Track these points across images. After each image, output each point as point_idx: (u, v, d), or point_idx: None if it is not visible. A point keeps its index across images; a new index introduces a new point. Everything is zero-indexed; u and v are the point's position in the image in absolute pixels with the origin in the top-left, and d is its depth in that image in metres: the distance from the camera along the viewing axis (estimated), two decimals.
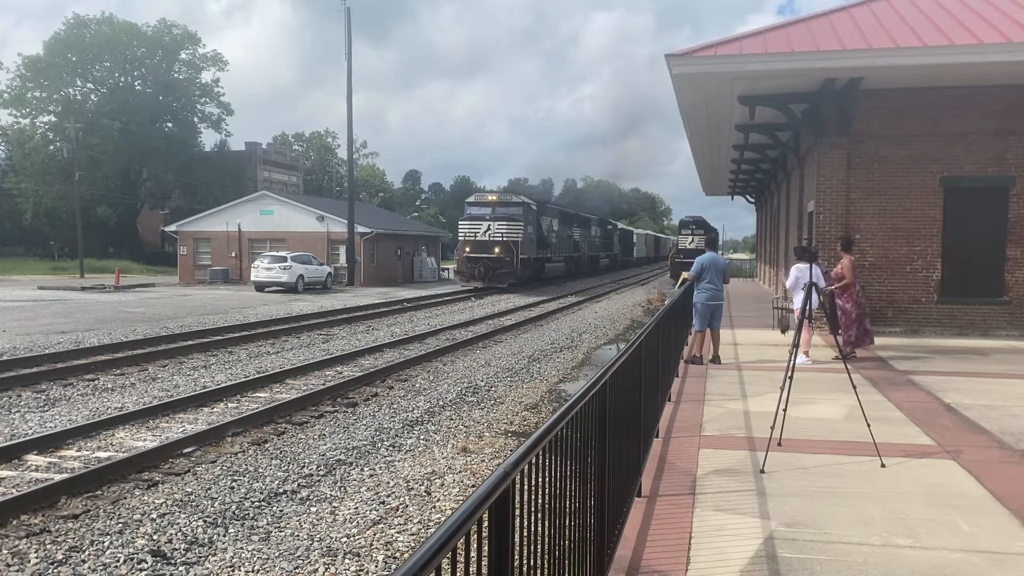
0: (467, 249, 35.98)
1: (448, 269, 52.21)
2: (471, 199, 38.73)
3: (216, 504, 6.84)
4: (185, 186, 67.49)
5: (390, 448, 8.98)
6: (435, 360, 15.23)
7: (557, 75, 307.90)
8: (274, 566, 5.74)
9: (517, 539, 2.31)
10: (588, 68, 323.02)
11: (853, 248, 11.78)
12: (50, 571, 5.48)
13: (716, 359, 11.22)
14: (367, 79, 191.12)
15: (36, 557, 5.66)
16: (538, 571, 2.63)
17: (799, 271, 10.40)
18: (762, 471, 5.74)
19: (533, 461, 2.55)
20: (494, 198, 37.07)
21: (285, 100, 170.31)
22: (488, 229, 35.54)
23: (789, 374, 6.32)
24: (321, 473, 7.92)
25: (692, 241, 42.42)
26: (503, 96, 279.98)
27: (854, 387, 6.63)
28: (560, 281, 44.54)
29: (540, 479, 2.67)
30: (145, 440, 8.84)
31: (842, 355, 11.59)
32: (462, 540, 1.86)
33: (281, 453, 8.52)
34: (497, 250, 35.11)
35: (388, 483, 7.66)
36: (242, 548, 6.03)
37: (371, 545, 6.13)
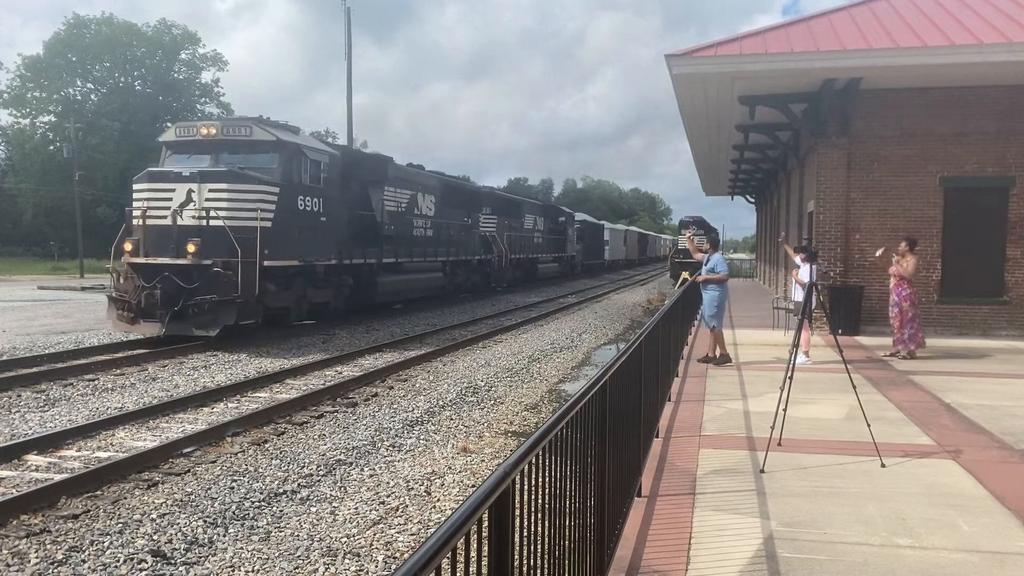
0: (128, 246, 15.74)
1: None
2: (166, 135, 17.61)
3: (216, 504, 6.84)
4: None
5: (390, 448, 8.98)
6: (435, 360, 15.23)
7: (562, 76, 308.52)
8: (274, 566, 5.74)
9: (517, 539, 2.31)
10: (593, 69, 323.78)
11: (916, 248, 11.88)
12: (50, 571, 5.48)
13: (714, 359, 11.23)
14: (371, 79, 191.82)
15: (36, 557, 5.66)
16: (538, 571, 2.63)
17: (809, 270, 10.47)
18: (762, 471, 5.74)
19: (533, 461, 2.55)
20: (212, 131, 16.50)
21: (287, 100, 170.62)
22: (187, 200, 15.44)
23: (789, 374, 6.33)
24: (321, 473, 7.92)
25: (693, 241, 42.38)
26: (506, 96, 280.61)
27: (854, 387, 6.64)
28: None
29: (540, 479, 2.67)
30: (145, 440, 8.84)
31: (895, 352, 11.69)
32: (462, 540, 1.86)
33: (281, 453, 8.52)
34: (192, 249, 15.00)
35: (388, 483, 7.66)
36: (242, 548, 6.03)
37: (371, 545, 6.13)
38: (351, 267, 19.50)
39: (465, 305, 26.99)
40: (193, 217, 15.42)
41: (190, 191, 15.53)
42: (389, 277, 21.66)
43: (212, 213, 15.25)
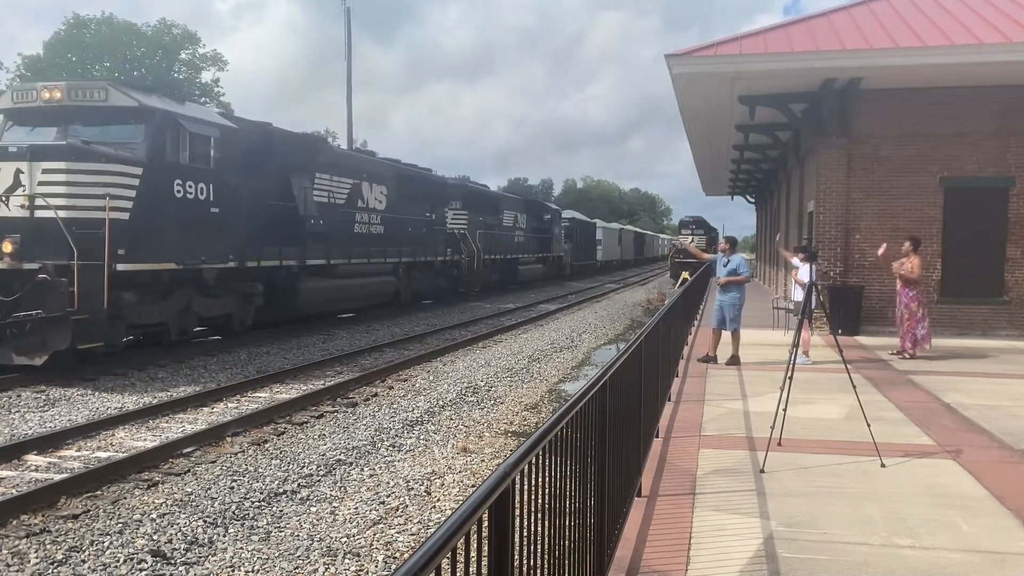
0: None
1: None
2: (0, 102, 13.38)
3: (216, 504, 6.84)
4: None
5: (390, 448, 8.98)
6: (435, 360, 15.22)
7: (563, 76, 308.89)
8: (274, 566, 5.74)
9: (517, 539, 2.31)
10: (593, 68, 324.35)
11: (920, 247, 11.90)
12: (50, 571, 5.48)
13: (716, 359, 11.24)
14: (371, 79, 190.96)
15: (36, 557, 5.66)
16: (538, 571, 2.63)
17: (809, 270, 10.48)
18: (762, 471, 5.74)
19: (533, 461, 2.55)
20: (56, 94, 12.42)
21: (288, 100, 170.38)
22: (15, 183, 11.61)
23: (789, 374, 6.32)
24: (321, 473, 7.92)
25: (692, 241, 42.54)
26: (507, 96, 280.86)
27: (854, 387, 6.64)
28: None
29: (540, 479, 2.67)
30: (145, 440, 8.84)
31: (901, 351, 11.70)
32: (462, 540, 1.86)
33: (281, 453, 8.52)
34: (9, 248, 11.31)
35: (388, 483, 7.66)
36: (242, 548, 6.03)
37: (371, 545, 6.14)
38: (262, 271, 15.75)
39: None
40: (21, 206, 11.64)
41: (19, 172, 11.68)
42: (317, 283, 17.64)
43: (40, 200, 11.46)
